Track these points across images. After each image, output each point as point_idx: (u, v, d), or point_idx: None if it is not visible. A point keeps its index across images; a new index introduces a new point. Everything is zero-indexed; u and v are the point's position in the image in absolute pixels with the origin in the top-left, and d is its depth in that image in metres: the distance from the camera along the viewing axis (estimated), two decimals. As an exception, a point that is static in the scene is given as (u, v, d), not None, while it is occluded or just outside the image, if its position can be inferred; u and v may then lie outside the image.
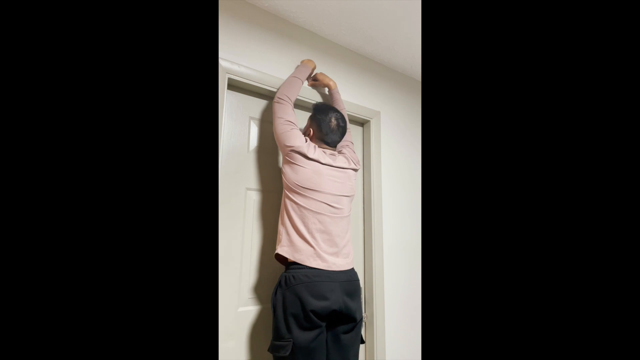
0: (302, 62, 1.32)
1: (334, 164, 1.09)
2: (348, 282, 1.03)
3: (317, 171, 1.05)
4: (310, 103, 1.38)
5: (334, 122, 1.14)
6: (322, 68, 1.44)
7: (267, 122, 1.32)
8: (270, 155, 1.31)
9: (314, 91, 1.40)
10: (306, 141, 1.08)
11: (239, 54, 1.21)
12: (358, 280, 1.08)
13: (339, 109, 1.28)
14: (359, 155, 1.58)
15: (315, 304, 0.93)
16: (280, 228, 1.06)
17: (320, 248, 1.01)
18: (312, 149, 1.07)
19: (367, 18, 1.33)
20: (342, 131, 1.16)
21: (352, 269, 1.08)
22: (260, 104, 1.31)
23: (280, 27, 1.33)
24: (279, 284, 0.99)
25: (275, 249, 1.24)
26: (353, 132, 1.57)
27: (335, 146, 1.17)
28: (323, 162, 1.07)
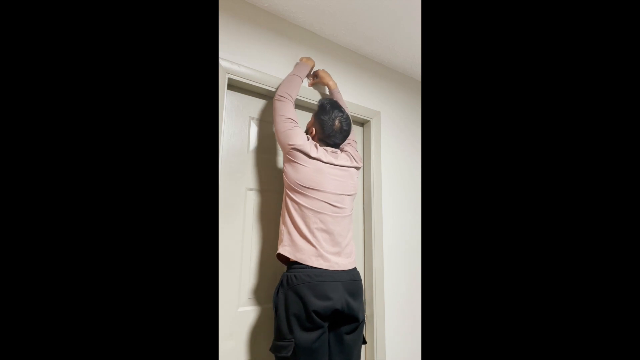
0: (300, 59, 1.32)
1: (335, 162, 1.08)
2: (351, 281, 1.02)
3: (318, 170, 1.04)
4: (311, 103, 1.38)
5: (337, 124, 1.11)
6: (322, 68, 1.44)
7: (267, 122, 1.32)
8: (270, 155, 1.31)
9: (315, 91, 1.40)
10: (308, 139, 1.07)
11: (239, 54, 1.21)
12: (361, 280, 1.07)
13: None
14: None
15: (317, 304, 0.92)
16: (282, 227, 1.05)
17: (322, 247, 1.00)
18: (314, 148, 1.06)
19: (367, 18, 1.33)
20: (345, 134, 1.14)
21: (355, 269, 1.07)
22: (260, 104, 1.31)
23: (280, 27, 1.33)
24: (281, 284, 0.99)
25: (275, 249, 1.25)
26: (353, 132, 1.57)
27: (337, 147, 1.16)
28: (325, 160, 1.06)
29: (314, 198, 1.02)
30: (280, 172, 1.32)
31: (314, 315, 0.92)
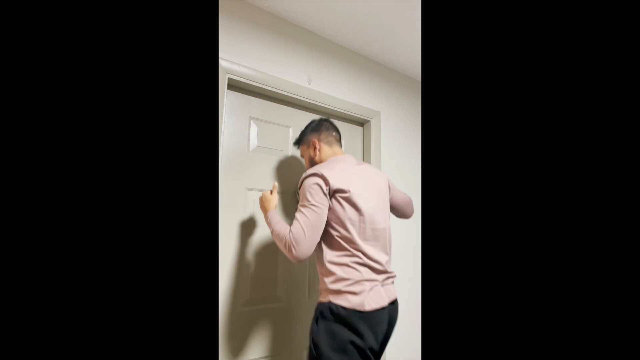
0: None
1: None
2: (391, 305, 0.91)
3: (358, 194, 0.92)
4: (311, 103, 1.38)
5: (325, 123, 1.10)
6: (322, 68, 1.44)
7: (267, 122, 1.32)
8: (270, 155, 1.31)
9: (316, 92, 1.39)
10: (322, 177, 0.89)
11: (239, 54, 1.21)
12: (398, 303, 0.96)
13: None
14: (359, 156, 1.58)
15: (371, 339, 0.80)
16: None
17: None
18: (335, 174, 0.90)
19: (368, 18, 1.33)
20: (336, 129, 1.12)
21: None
22: (260, 104, 1.31)
23: (280, 27, 1.33)
24: (322, 315, 0.83)
25: (276, 249, 1.25)
26: (353, 132, 1.57)
27: (340, 139, 1.10)
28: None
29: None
30: (279, 172, 1.32)
31: (369, 352, 0.79)
